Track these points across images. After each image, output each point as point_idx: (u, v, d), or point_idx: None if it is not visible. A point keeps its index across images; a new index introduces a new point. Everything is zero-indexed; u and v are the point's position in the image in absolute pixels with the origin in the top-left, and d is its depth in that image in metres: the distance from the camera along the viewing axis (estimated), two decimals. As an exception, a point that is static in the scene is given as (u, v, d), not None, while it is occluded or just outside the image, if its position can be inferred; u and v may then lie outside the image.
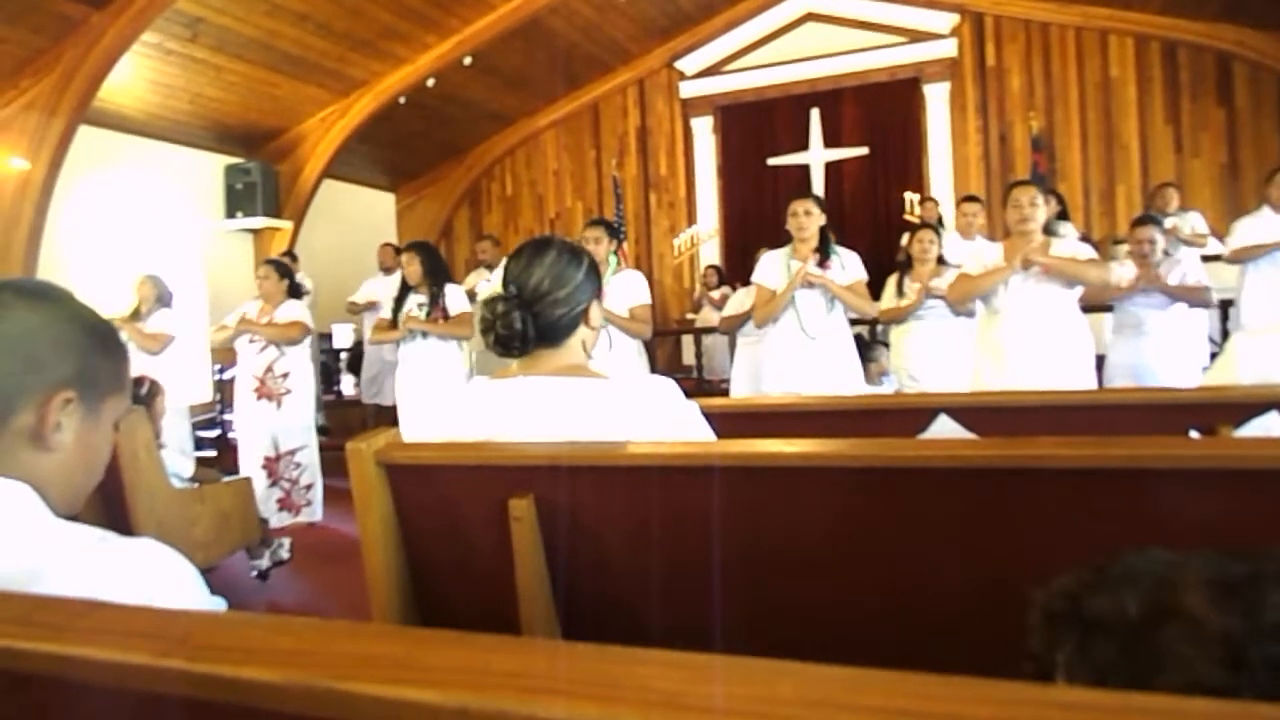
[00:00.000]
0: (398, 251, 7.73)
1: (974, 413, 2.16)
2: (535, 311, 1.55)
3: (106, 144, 7.32)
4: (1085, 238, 6.46)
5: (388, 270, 7.73)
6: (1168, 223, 6.47)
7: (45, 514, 0.83)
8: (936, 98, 8.96)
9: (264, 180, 8.46)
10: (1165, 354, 4.17)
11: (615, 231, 4.51)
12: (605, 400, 1.51)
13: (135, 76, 6.92)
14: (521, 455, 1.47)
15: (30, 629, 0.59)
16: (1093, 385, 3.74)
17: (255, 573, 4.03)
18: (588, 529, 1.49)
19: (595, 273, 1.63)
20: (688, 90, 9.83)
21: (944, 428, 1.64)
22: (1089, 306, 4.31)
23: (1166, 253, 4.32)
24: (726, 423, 2.36)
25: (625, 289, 4.27)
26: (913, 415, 2.07)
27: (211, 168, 8.50)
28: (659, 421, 1.49)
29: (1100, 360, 4.15)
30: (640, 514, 1.44)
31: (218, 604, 0.82)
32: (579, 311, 1.58)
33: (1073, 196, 8.48)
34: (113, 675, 0.55)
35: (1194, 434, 1.57)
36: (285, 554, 4.15)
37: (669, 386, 1.55)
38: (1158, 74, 8.27)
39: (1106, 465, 1.17)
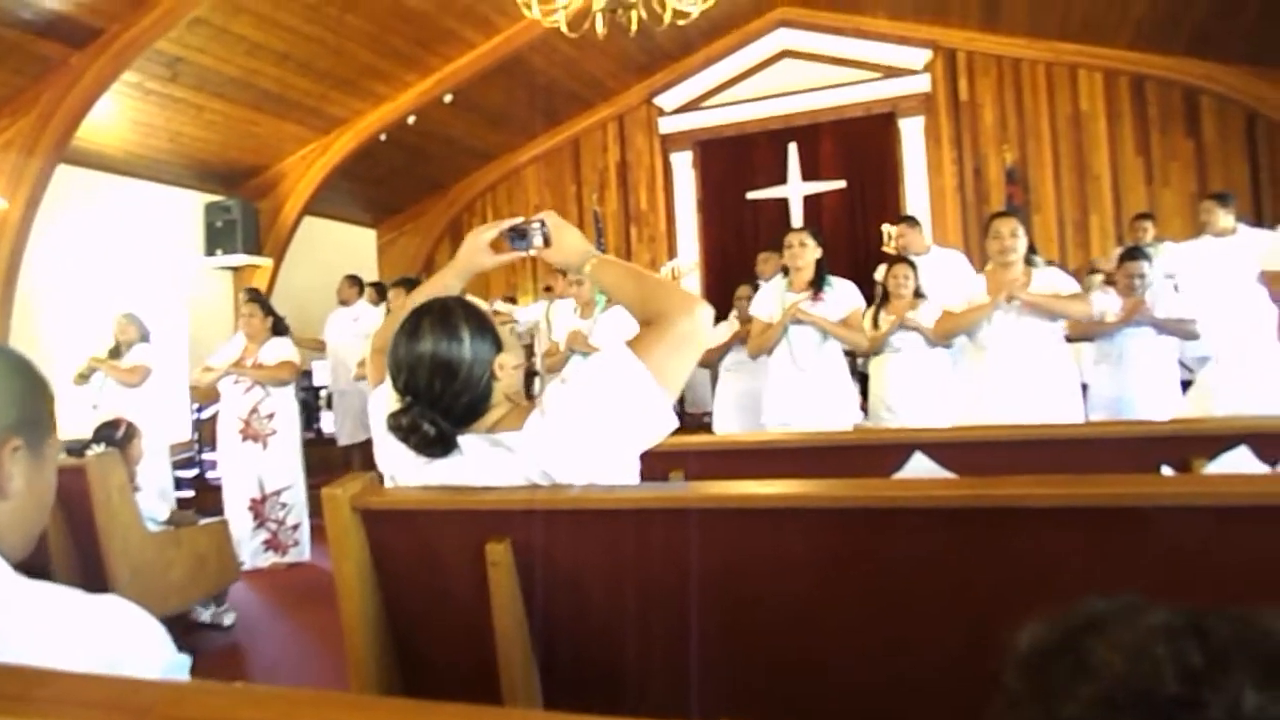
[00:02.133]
0: (353, 283, 7.79)
1: (952, 448, 2.18)
2: (442, 409, 1.46)
3: (86, 182, 7.30)
4: (1059, 266, 6.54)
5: (344, 303, 7.77)
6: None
7: (3, 570, 0.82)
8: (912, 131, 9.09)
9: (244, 217, 8.44)
10: (1147, 384, 4.22)
11: None
12: (526, 451, 1.45)
13: (115, 116, 6.92)
14: (497, 500, 1.46)
15: (-12, 698, 0.58)
16: (1080, 417, 3.77)
17: (194, 617, 3.87)
18: (565, 572, 1.48)
19: (481, 328, 1.50)
20: (667, 126, 9.93)
21: (919, 466, 1.65)
22: (1071, 337, 4.37)
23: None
24: (709, 461, 2.37)
25: (616, 326, 4.25)
26: (893, 451, 2.08)
27: (192, 205, 8.48)
28: (581, 454, 1.44)
29: (1083, 390, 4.19)
30: (617, 557, 1.43)
31: (183, 663, 0.81)
32: (485, 381, 1.48)
33: (1047, 227, 8.61)
34: (71, 748, 0.54)
35: (1167, 469, 1.59)
36: (227, 621, 3.99)
37: (565, 408, 1.44)
38: (1127, 108, 8.44)
39: (1078, 504, 1.18)
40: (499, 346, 1.51)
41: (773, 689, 1.40)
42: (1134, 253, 4.49)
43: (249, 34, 6.60)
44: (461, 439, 1.47)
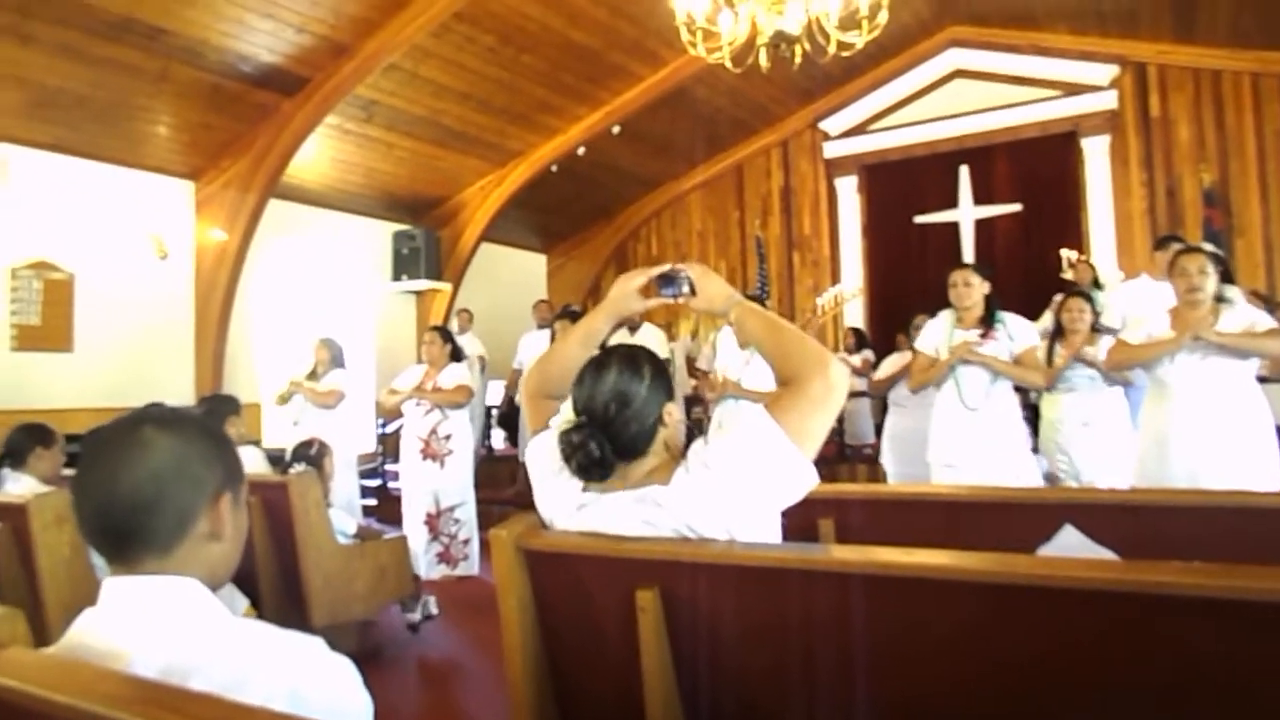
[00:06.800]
0: (550, 308, 8.07)
1: (1120, 512, 2.09)
2: (610, 434, 1.56)
3: (289, 215, 8.07)
4: (1260, 295, 6.01)
5: (542, 325, 8.02)
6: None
7: (218, 610, 0.99)
8: (1095, 151, 8.61)
9: (427, 245, 9.06)
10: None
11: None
12: (673, 506, 1.53)
13: (317, 154, 7.62)
14: (646, 549, 1.56)
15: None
16: (1276, 466, 3.46)
17: (408, 625, 4.29)
18: (709, 623, 1.55)
19: (660, 374, 1.62)
20: (831, 150, 9.85)
21: (1068, 541, 1.61)
22: (1267, 377, 4.00)
23: None
24: (859, 511, 2.38)
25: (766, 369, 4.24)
26: (1056, 511, 2.01)
27: (381, 234, 9.19)
28: (723, 510, 1.51)
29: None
30: (757, 612, 1.49)
31: (368, 705, 0.94)
32: (653, 421, 1.59)
33: (1252, 253, 7.93)
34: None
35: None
36: (434, 609, 4.41)
37: (708, 467, 1.51)
38: (1348, 121, 7.67)
39: (1234, 596, 1.14)
40: (670, 396, 1.63)
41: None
42: None
43: (435, 77, 7.12)
44: (611, 497, 1.57)
